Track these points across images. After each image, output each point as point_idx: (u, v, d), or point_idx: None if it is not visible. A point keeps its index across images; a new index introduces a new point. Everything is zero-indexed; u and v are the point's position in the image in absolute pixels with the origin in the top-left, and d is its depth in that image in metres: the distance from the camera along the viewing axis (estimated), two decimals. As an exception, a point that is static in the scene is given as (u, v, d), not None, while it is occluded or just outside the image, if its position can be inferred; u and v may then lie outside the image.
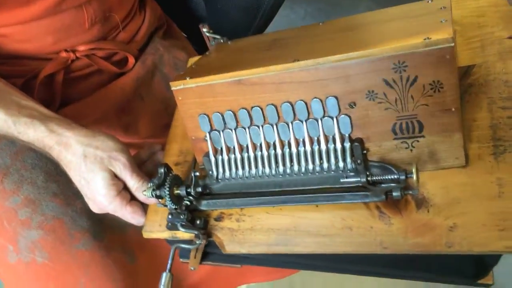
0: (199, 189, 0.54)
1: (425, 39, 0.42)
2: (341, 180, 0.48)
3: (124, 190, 0.60)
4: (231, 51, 0.60)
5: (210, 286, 0.79)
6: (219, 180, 0.56)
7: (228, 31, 0.67)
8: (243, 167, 0.55)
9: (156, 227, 0.59)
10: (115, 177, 0.59)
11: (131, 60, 0.77)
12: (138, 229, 0.65)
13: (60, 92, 0.72)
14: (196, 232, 0.54)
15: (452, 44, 0.42)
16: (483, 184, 0.46)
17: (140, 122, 0.79)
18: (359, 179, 0.47)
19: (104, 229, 0.69)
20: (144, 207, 0.61)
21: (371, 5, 1.58)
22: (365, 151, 0.49)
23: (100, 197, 0.59)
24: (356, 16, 0.60)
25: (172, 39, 0.86)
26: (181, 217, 0.54)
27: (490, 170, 0.46)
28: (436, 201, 0.47)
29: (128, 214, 0.60)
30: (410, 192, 0.46)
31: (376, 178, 0.46)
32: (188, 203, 0.56)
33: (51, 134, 0.58)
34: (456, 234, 0.44)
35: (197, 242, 0.54)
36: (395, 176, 0.45)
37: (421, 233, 0.46)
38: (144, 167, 0.64)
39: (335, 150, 0.50)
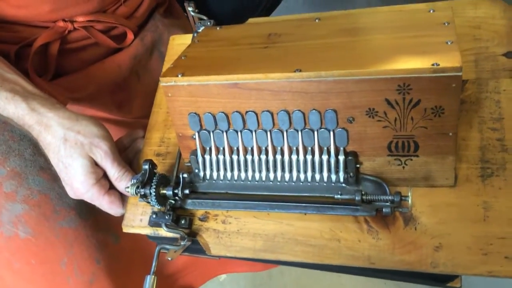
0: (187, 191, 0.53)
1: (433, 64, 0.42)
2: (335, 196, 0.48)
3: (103, 178, 0.58)
4: (221, 41, 0.57)
5: (190, 275, 0.79)
6: (206, 180, 0.55)
7: (227, 16, 0.64)
8: (231, 169, 0.53)
9: (136, 222, 0.57)
10: (95, 164, 0.56)
11: (130, 35, 0.75)
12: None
13: (54, 63, 0.69)
14: (181, 233, 0.53)
15: (460, 74, 0.41)
16: (469, 206, 0.47)
17: (134, 101, 0.78)
18: (353, 197, 0.47)
19: (91, 208, 0.67)
20: (123, 197, 0.59)
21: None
22: (358, 165, 0.49)
23: (77, 184, 0.56)
24: (354, 13, 0.58)
25: (173, 17, 0.83)
26: (166, 217, 0.53)
27: (477, 193, 0.48)
28: (423, 219, 0.48)
29: (106, 204, 0.58)
30: (400, 210, 0.47)
31: (371, 197, 0.46)
32: (173, 202, 0.54)
33: (32, 112, 0.55)
34: (441, 254, 0.46)
35: (182, 243, 0.53)
36: (390, 197, 0.46)
37: (407, 251, 0.47)
38: (125, 154, 0.61)
39: (329, 162, 0.50)
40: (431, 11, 0.52)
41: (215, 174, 0.54)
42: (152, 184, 0.52)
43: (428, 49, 0.45)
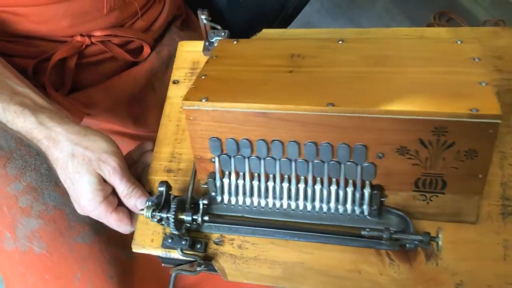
0: (206, 218, 0.51)
1: (472, 110, 0.41)
2: (362, 233, 0.47)
3: (111, 195, 0.56)
4: (242, 60, 0.55)
5: (208, 286, 0.78)
6: (223, 204, 0.53)
7: (242, 27, 0.62)
8: (251, 195, 0.52)
9: (147, 242, 0.55)
10: (103, 181, 0.54)
11: (147, 49, 0.76)
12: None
13: (72, 77, 0.70)
14: (196, 258, 0.52)
15: (499, 122, 0.41)
16: (490, 244, 0.48)
17: (150, 115, 0.77)
18: (381, 234, 0.46)
19: (105, 225, 0.64)
20: (132, 214, 0.57)
21: (387, 5, 1.53)
22: (383, 198, 0.49)
23: (84, 202, 0.54)
24: (378, 38, 0.57)
25: (190, 30, 0.82)
26: (183, 242, 0.52)
27: (498, 230, 0.48)
28: (444, 255, 0.48)
29: (114, 222, 0.56)
30: (424, 246, 0.47)
31: (400, 236, 0.46)
32: (188, 225, 0.53)
33: (40, 126, 0.54)
34: (462, 292, 0.47)
35: (198, 269, 0.52)
36: (419, 238, 0.46)
37: (429, 287, 0.48)
38: (134, 169, 0.59)
39: (354, 194, 0.49)
40: (458, 42, 0.51)
41: (233, 199, 0.53)
42: (171, 209, 0.50)
43: (463, 90, 0.44)
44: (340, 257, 0.50)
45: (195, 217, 0.51)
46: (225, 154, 0.51)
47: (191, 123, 0.49)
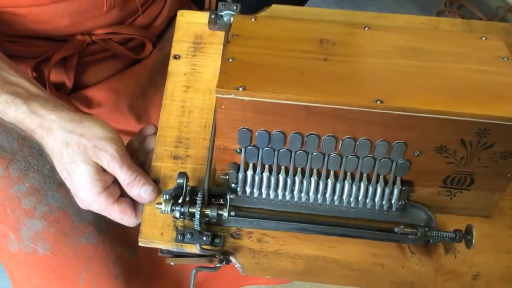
0: (233, 213, 0.48)
1: (518, 114, 0.42)
2: (396, 230, 0.47)
3: (113, 185, 0.50)
4: (267, 42, 0.50)
5: (214, 285, 0.77)
6: (246, 197, 0.50)
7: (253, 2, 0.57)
8: (276, 189, 0.50)
9: (157, 235, 0.51)
10: (101, 170, 0.49)
11: (149, 46, 0.74)
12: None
13: (73, 76, 0.68)
14: (216, 254, 0.49)
15: (541, 127, 0.42)
16: (503, 238, 0.51)
17: (152, 112, 0.74)
18: (416, 231, 0.47)
19: (109, 224, 0.65)
20: (136, 205, 0.52)
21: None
22: (411, 194, 0.49)
23: (82, 194, 0.49)
24: (404, 28, 0.55)
25: None
26: (204, 238, 0.48)
27: (509, 224, 0.51)
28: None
29: (116, 214, 0.51)
30: (455, 242, 0.49)
31: (434, 233, 0.47)
32: (207, 218, 0.49)
33: (32, 115, 0.49)
34: (478, 283, 0.49)
35: (218, 265, 0.49)
36: (452, 235, 0.47)
37: (448, 278, 0.50)
38: (136, 157, 0.54)
39: (384, 190, 0.49)
40: (483, 39, 0.52)
41: (256, 192, 0.50)
42: (197, 204, 0.46)
43: (504, 92, 0.45)
44: (362, 251, 0.50)
45: (220, 212, 0.47)
46: (253, 145, 0.47)
47: (221, 112, 0.45)
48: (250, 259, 0.51)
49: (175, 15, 0.73)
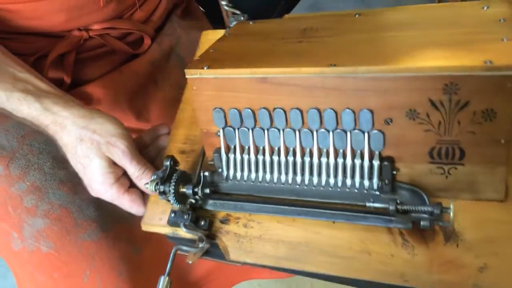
0: (207, 191, 0.49)
1: (485, 62, 0.37)
2: (367, 204, 0.44)
3: (123, 177, 0.55)
4: (254, 36, 0.54)
5: (213, 282, 0.76)
6: (229, 180, 0.51)
7: (251, 9, 0.61)
8: (257, 170, 0.50)
9: (156, 221, 0.55)
10: (113, 164, 0.54)
11: (147, 40, 0.73)
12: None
13: (71, 73, 0.68)
14: (199, 235, 0.50)
15: (518, 73, 0.36)
16: (521, 224, 0.42)
17: (152, 108, 0.75)
18: (387, 205, 0.42)
19: (112, 220, 0.66)
20: (144, 195, 0.57)
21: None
22: (394, 172, 0.45)
23: (96, 185, 0.54)
24: (397, 9, 0.53)
25: (191, 18, 0.80)
26: (185, 217, 0.50)
27: (530, 209, 0.42)
28: (467, 236, 0.43)
29: (127, 203, 0.56)
30: (441, 223, 0.42)
31: (407, 207, 0.42)
32: (193, 201, 0.51)
33: (46, 112, 0.54)
34: (485, 276, 0.41)
35: (200, 245, 0.50)
36: (429, 209, 0.41)
37: (447, 269, 0.42)
38: (146, 152, 0.59)
39: (362, 166, 0.45)
40: (485, 8, 0.47)
41: (238, 174, 0.51)
42: (172, 181, 0.49)
43: (481, 46, 0.40)
44: (349, 237, 0.46)
45: (196, 189, 0.49)
46: (229, 126, 0.49)
47: (194, 94, 0.49)
48: (235, 243, 0.50)
49: (173, 9, 0.76)
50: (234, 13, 0.63)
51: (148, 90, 0.75)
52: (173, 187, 0.49)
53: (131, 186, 0.56)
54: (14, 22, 0.63)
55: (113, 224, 0.67)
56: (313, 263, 0.47)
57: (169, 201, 0.51)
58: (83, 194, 0.64)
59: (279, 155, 0.48)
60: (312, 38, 0.49)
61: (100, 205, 0.65)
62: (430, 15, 0.50)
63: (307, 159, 0.47)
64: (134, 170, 0.54)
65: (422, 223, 0.43)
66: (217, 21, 0.88)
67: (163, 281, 0.49)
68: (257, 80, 0.45)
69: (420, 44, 0.44)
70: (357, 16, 0.53)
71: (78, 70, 0.68)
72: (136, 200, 0.56)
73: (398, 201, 0.42)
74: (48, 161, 0.64)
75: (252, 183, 0.50)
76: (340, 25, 0.52)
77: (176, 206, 0.50)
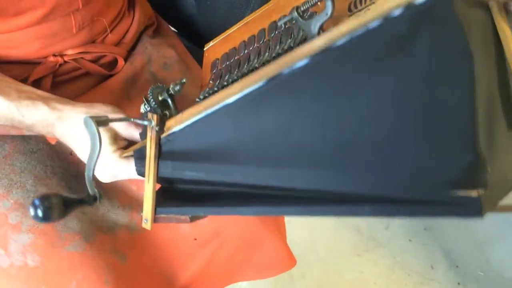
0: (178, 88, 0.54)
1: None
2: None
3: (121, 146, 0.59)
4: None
5: (202, 285, 0.76)
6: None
7: (219, 27, 0.68)
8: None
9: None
10: (116, 136, 0.59)
11: (121, 62, 0.76)
12: (128, 229, 0.69)
13: None
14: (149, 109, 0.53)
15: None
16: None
17: None
18: None
19: (95, 231, 0.67)
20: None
21: None
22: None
23: (105, 159, 0.58)
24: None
25: (161, 37, 0.85)
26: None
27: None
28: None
29: (125, 164, 0.58)
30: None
31: None
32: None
33: (53, 111, 0.58)
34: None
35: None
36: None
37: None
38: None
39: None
40: None
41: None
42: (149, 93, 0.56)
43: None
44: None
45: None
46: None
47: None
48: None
49: (144, 30, 0.81)
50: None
51: (123, 106, 0.74)
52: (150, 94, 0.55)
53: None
54: None
55: (96, 235, 0.66)
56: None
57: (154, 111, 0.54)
58: None
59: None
60: None
61: (82, 217, 0.67)
62: None
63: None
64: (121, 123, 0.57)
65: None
66: (194, 39, 0.87)
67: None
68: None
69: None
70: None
71: (55, 93, 0.66)
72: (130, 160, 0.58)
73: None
74: (30, 178, 0.67)
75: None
76: None
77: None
